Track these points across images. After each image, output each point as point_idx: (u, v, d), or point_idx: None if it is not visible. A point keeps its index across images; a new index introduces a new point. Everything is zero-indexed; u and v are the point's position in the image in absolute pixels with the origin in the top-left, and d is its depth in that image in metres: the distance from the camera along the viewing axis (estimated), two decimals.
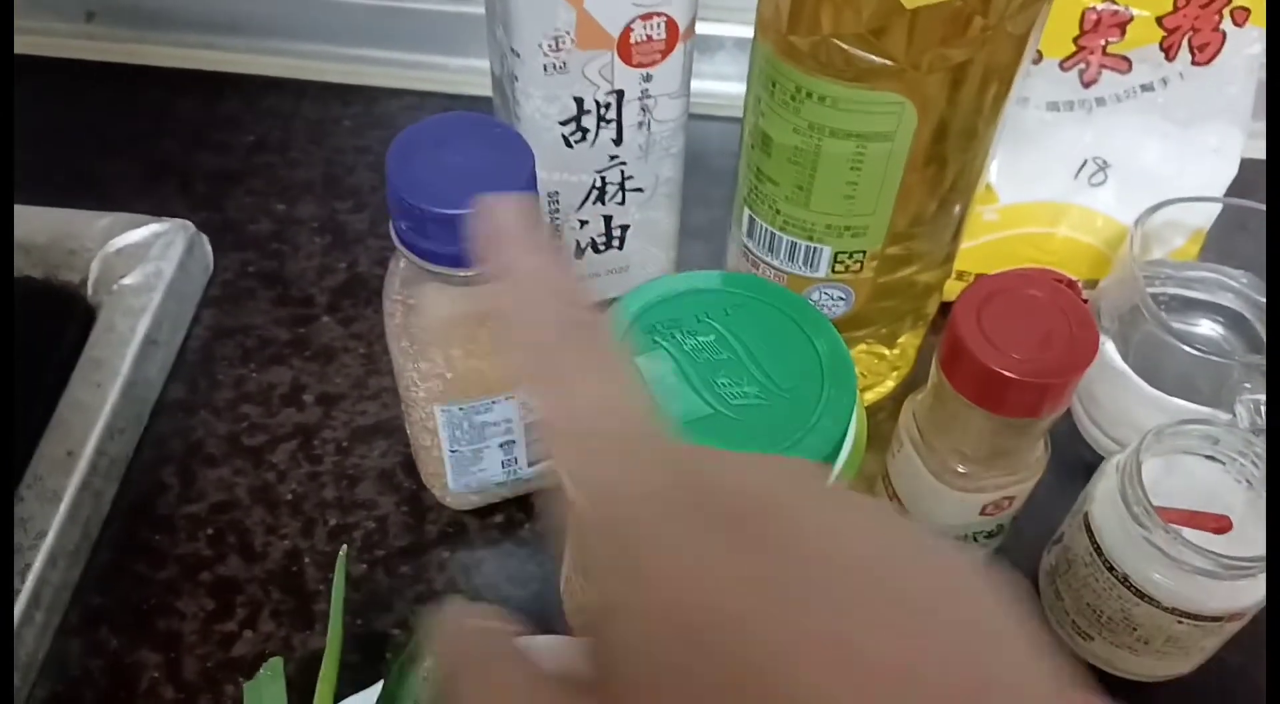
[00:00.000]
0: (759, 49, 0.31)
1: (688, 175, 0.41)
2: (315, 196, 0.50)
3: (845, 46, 0.28)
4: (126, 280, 0.43)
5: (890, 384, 0.42)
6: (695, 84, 0.52)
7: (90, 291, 0.43)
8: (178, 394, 0.43)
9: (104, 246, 0.44)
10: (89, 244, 0.44)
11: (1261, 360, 0.35)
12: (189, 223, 0.46)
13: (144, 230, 0.45)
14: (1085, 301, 0.43)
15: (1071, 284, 0.44)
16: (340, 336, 0.45)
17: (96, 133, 0.52)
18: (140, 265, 0.44)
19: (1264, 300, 0.41)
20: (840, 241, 0.33)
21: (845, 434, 0.27)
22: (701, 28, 0.33)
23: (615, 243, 0.40)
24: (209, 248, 0.47)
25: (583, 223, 0.39)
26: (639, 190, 0.38)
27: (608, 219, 0.39)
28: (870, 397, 0.41)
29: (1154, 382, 0.38)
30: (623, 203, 0.39)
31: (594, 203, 0.38)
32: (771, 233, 0.34)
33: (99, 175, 0.50)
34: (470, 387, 0.33)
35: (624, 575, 0.15)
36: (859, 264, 0.34)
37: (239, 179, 0.50)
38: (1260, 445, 0.32)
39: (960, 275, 0.45)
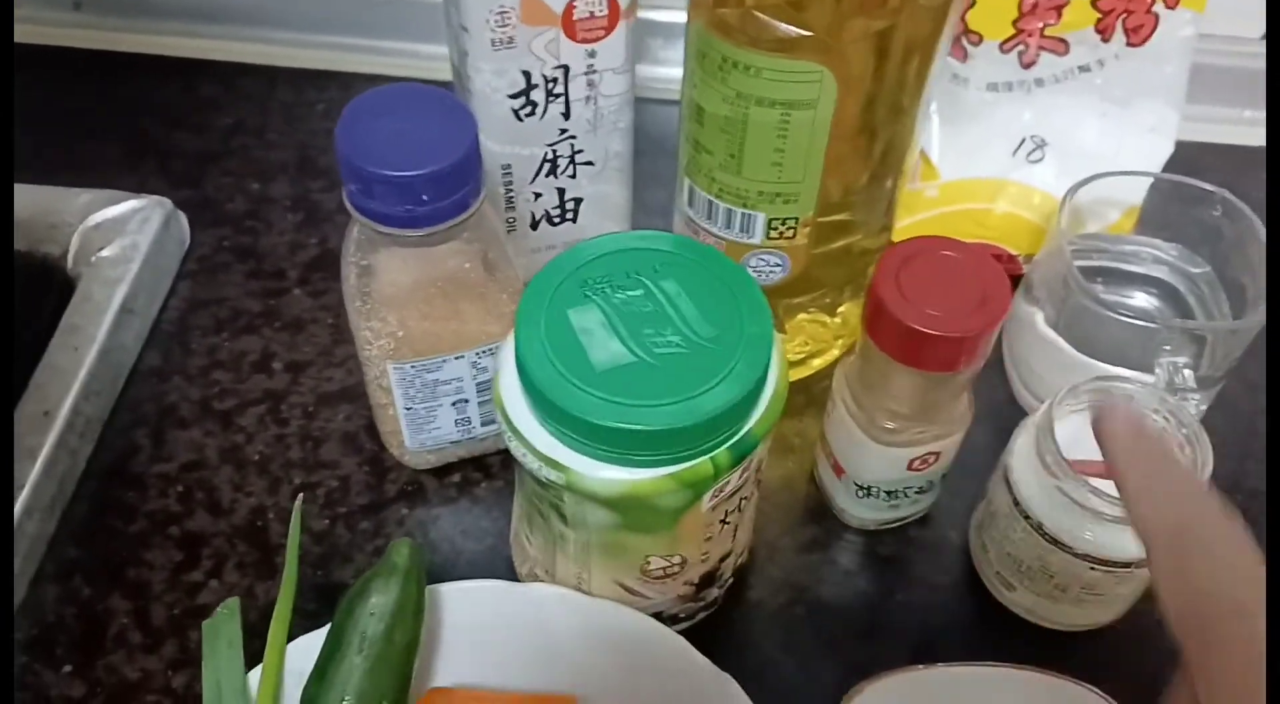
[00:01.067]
0: (692, 24, 0.33)
1: (647, 156, 0.43)
2: (289, 176, 0.51)
3: (766, 18, 0.30)
4: (104, 253, 0.45)
5: (835, 352, 0.43)
6: (657, 70, 0.54)
7: (70, 263, 0.45)
8: (153, 361, 0.45)
9: (84, 221, 0.46)
10: (69, 219, 0.46)
11: (1184, 324, 0.37)
12: (166, 199, 0.48)
13: (122, 206, 0.47)
14: (1021, 274, 0.45)
15: (1010, 259, 0.46)
16: (310, 308, 0.46)
17: (81, 116, 0.54)
18: (118, 239, 0.46)
19: (1194, 270, 0.43)
20: (773, 208, 0.35)
21: (762, 378, 0.29)
22: (663, 15, 0.35)
23: (569, 216, 0.42)
24: (185, 223, 0.48)
25: (537, 195, 0.41)
26: (589, 164, 0.40)
27: (560, 192, 0.41)
28: (817, 363, 0.43)
29: (1084, 349, 0.39)
30: (574, 176, 0.41)
31: (546, 176, 0.40)
32: (709, 200, 0.36)
33: (82, 155, 0.52)
34: (421, 345, 0.35)
35: None
36: (793, 230, 0.36)
37: (217, 159, 0.52)
38: (1174, 403, 0.34)
39: None
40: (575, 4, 0.35)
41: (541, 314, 0.29)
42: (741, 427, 0.29)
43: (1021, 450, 0.34)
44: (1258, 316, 0.37)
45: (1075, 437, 0.34)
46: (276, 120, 0.54)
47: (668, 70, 0.53)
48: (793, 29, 0.30)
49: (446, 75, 0.39)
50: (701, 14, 0.32)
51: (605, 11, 0.35)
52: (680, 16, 0.52)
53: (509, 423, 0.30)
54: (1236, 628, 0.19)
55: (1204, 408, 0.40)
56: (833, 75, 0.31)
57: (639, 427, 0.27)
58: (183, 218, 0.48)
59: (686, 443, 0.28)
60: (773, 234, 0.36)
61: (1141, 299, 0.44)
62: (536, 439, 0.29)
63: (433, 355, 0.35)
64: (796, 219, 0.36)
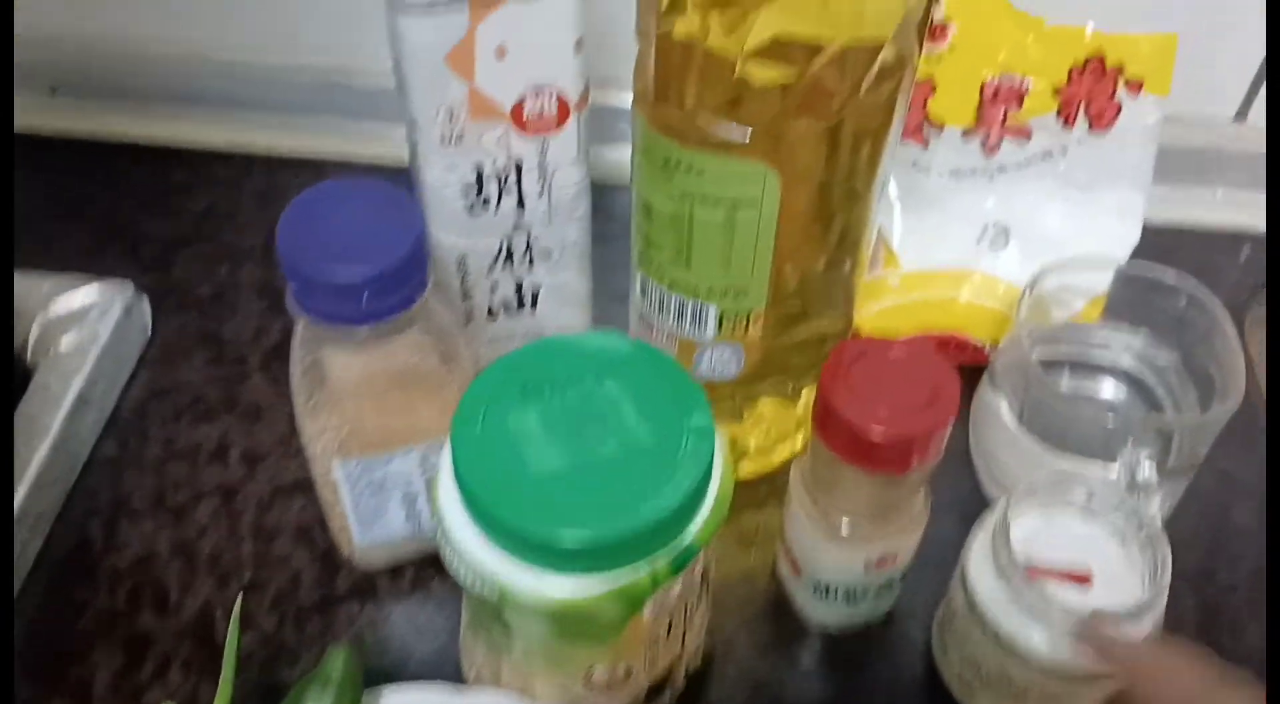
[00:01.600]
0: (636, 120, 0.33)
1: (612, 240, 0.42)
2: (258, 262, 0.51)
3: (707, 119, 0.30)
4: (64, 343, 0.45)
5: (798, 441, 0.43)
6: (621, 153, 0.54)
7: (29, 354, 0.45)
8: (109, 450, 0.44)
9: (45, 310, 0.46)
10: (31, 307, 0.46)
11: (1145, 419, 0.36)
12: (129, 284, 0.47)
13: (84, 293, 0.46)
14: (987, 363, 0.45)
15: (976, 349, 0.46)
16: (269, 395, 0.46)
17: (53, 200, 0.54)
18: (77, 328, 0.45)
19: (1161, 361, 0.42)
20: (724, 302, 0.35)
21: (703, 486, 0.28)
22: (628, 99, 0.34)
23: (528, 305, 0.42)
24: (148, 310, 0.48)
25: (493, 286, 0.41)
26: (547, 254, 0.40)
27: (518, 282, 0.41)
28: (781, 454, 0.42)
29: (1049, 441, 0.38)
30: (531, 267, 0.40)
31: (503, 267, 0.40)
32: (661, 292, 0.36)
33: (53, 240, 0.52)
34: (369, 441, 0.35)
35: None
36: (746, 324, 0.36)
37: (187, 244, 0.52)
38: (1133, 502, 0.33)
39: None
40: (524, 101, 0.35)
41: (479, 418, 0.29)
42: (681, 536, 0.28)
43: (978, 551, 0.33)
44: (1225, 408, 0.36)
45: (1033, 536, 0.34)
46: (248, 205, 0.54)
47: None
48: (734, 130, 0.30)
49: None
50: (644, 112, 0.32)
51: (555, 109, 0.35)
52: None
53: (443, 530, 0.29)
54: None
55: (1172, 503, 0.39)
56: (777, 174, 0.31)
57: (574, 537, 0.27)
58: (146, 305, 0.48)
59: (624, 554, 0.27)
60: (725, 328, 0.36)
61: (1108, 390, 0.43)
62: (471, 547, 0.28)
63: (380, 452, 0.35)
64: (749, 313, 0.35)
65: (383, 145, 0.56)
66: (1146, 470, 0.35)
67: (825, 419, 0.32)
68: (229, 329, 0.49)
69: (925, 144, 0.45)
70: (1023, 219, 0.46)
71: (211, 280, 0.51)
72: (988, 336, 0.45)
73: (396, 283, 0.31)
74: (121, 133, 0.57)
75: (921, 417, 0.31)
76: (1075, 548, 0.33)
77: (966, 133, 0.45)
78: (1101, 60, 0.44)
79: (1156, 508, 0.34)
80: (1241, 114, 0.53)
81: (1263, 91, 0.52)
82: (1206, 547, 0.41)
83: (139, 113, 0.58)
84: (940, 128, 0.45)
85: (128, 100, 0.58)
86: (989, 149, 0.45)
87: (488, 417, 0.29)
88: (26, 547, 0.40)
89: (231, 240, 0.53)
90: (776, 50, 0.28)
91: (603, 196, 0.41)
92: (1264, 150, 0.52)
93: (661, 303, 0.36)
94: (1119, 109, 0.45)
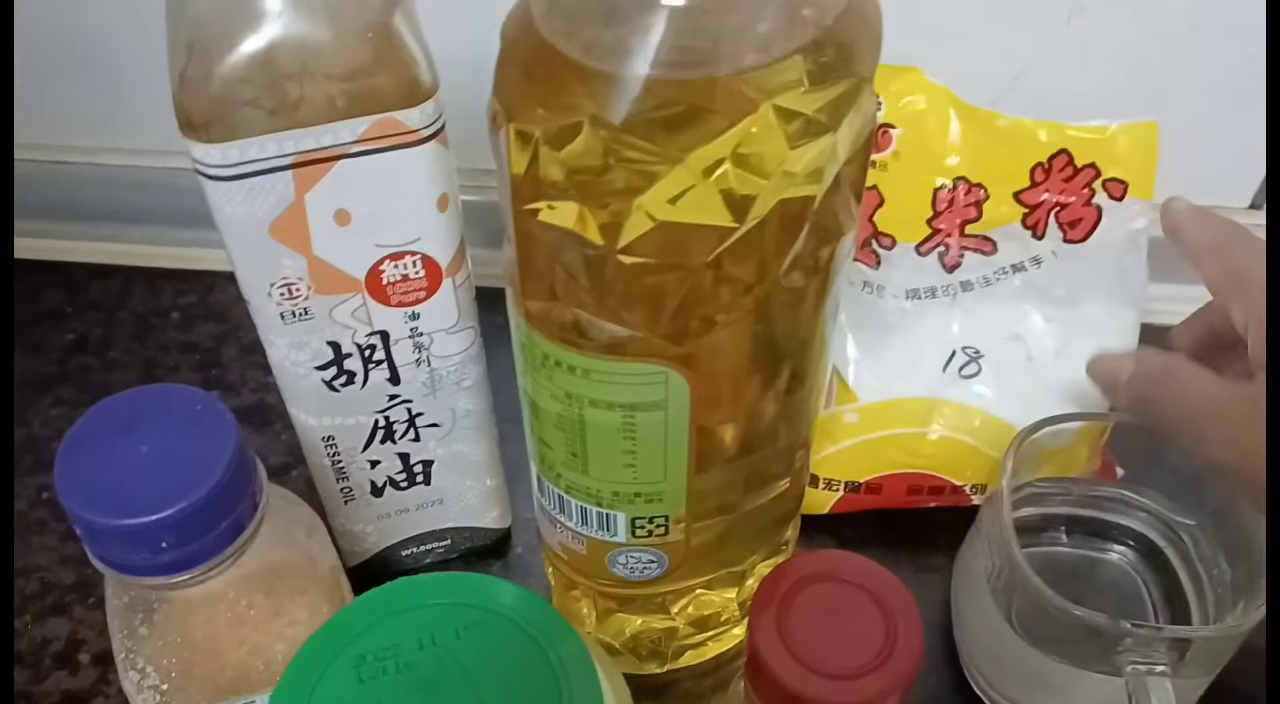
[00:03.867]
0: (510, 305, 0.26)
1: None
2: None
3: (585, 315, 0.24)
4: None
5: (743, 629, 0.36)
6: None
7: None
8: None
9: None
10: None
11: (1145, 631, 0.30)
12: None
13: None
14: (969, 504, 0.39)
15: (955, 490, 0.39)
16: None
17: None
18: None
19: (1179, 520, 0.36)
20: (634, 508, 0.29)
21: None
22: None
23: (420, 479, 0.35)
24: None
25: (374, 463, 0.34)
26: (435, 426, 0.34)
27: (404, 456, 0.34)
28: (723, 643, 0.36)
29: (1038, 635, 0.32)
30: (417, 439, 0.34)
31: (381, 443, 0.34)
32: (559, 494, 0.29)
33: None
34: (195, 694, 0.28)
35: None
36: (663, 528, 0.29)
37: (50, 386, 0.46)
38: None
39: (829, 484, 0.40)
40: (382, 268, 0.28)
41: None
42: None
43: None
44: (1257, 612, 0.30)
45: None
46: (123, 334, 0.48)
47: None
48: (620, 330, 0.24)
49: None
50: (515, 302, 0.26)
51: (422, 273, 0.29)
52: None
53: None
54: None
55: (1197, 696, 0.33)
56: (681, 374, 0.25)
57: None
58: None
59: None
60: (639, 533, 0.29)
61: (1116, 554, 0.37)
62: None
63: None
64: (666, 517, 0.29)
65: None
66: (1158, 695, 0.28)
67: (756, 669, 0.25)
68: None
69: (876, 262, 0.39)
70: (996, 341, 0.39)
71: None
72: (967, 477, 0.39)
73: (205, 523, 0.25)
74: None
75: (877, 673, 0.24)
76: None
77: (921, 248, 0.39)
78: (1070, 158, 0.38)
79: None
80: (1257, 205, 0.47)
81: None
82: None
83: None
84: (891, 244, 0.39)
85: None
86: (949, 265, 0.39)
87: None
88: None
89: (101, 379, 0.46)
90: (664, 237, 0.22)
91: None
92: None
93: (561, 505, 0.30)
94: (1098, 215, 0.39)
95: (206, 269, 0.51)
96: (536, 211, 0.22)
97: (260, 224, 0.26)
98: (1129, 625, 0.30)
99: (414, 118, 0.26)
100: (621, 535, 0.29)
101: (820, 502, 0.40)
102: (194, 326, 0.48)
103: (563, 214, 0.22)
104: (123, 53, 0.47)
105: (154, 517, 0.24)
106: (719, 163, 0.21)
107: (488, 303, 0.32)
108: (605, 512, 0.29)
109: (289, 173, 0.26)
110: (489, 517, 0.38)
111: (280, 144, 0.25)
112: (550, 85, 0.21)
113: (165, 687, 0.28)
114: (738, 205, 0.22)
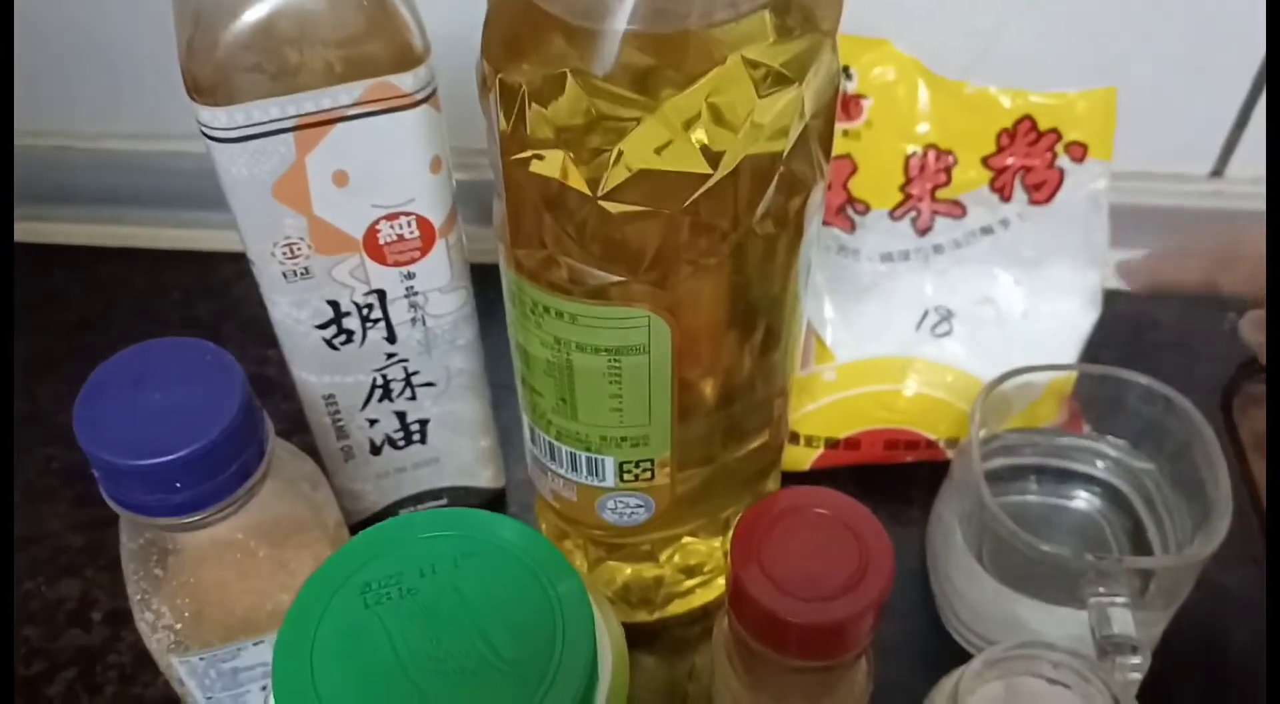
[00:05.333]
0: (500, 255, 0.28)
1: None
2: None
3: (573, 263, 0.25)
4: None
5: None
6: None
7: None
8: None
9: None
10: None
11: (1107, 564, 0.31)
12: None
13: None
14: (942, 459, 0.40)
15: (929, 444, 0.41)
16: None
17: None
18: None
19: (1139, 466, 0.38)
20: (621, 452, 0.30)
21: None
22: None
23: (416, 438, 0.37)
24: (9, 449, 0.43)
25: (372, 421, 0.36)
26: (430, 385, 0.35)
27: (400, 415, 0.36)
28: (710, 592, 0.38)
29: (1009, 574, 0.34)
30: (414, 398, 0.36)
31: (379, 401, 0.35)
32: (549, 442, 0.31)
33: None
34: (208, 634, 0.30)
35: None
36: (649, 472, 0.31)
37: (54, 364, 0.47)
38: (1103, 670, 0.29)
39: (809, 441, 0.41)
40: (378, 228, 0.30)
41: (308, 640, 0.24)
42: None
43: None
44: (1212, 541, 0.31)
45: None
46: (126, 312, 0.49)
47: None
48: (603, 275, 0.25)
49: None
50: (504, 253, 0.27)
51: (416, 233, 0.31)
52: None
53: None
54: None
55: (1157, 630, 0.34)
56: (663, 318, 0.26)
57: None
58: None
59: None
60: (626, 477, 0.31)
61: (1083, 501, 0.38)
62: None
63: (225, 644, 0.30)
64: (652, 460, 0.31)
65: None
66: (1120, 624, 0.30)
67: (739, 600, 0.27)
68: None
69: (851, 227, 0.40)
70: (966, 301, 0.41)
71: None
72: (941, 431, 0.40)
73: (216, 464, 0.26)
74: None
75: (853, 595, 0.26)
76: None
77: (894, 212, 0.40)
78: (1033, 123, 0.40)
79: (1135, 671, 0.30)
80: (1218, 171, 0.49)
81: (1240, 145, 0.47)
82: (1200, 681, 0.36)
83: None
84: (865, 209, 0.40)
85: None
86: (921, 229, 0.41)
87: (320, 632, 0.24)
88: None
89: (106, 356, 0.47)
90: (645, 184, 0.23)
91: (498, 277, 0.36)
92: (1243, 208, 0.48)
93: (552, 452, 0.31)
94: (1061, 177, 0.40)
95: (205, 249, 0.52)
96: (524, 162, 0.24)
97: (264, 185, 0.28)
98: (1091, 558, 0.31)
99: (407, 82, 0.27)
100: (610, 480, 0.31)
101: (800, 458, 0.41)
102: (194, 304, 0.50)
103: (549, 164, 0.23)
104: (122, 40, 0.49)
105: (168, 457, 0.25)
106: (696, 113, 0.22)
107: (480, 277, 0.34)
108: (594, 456, 0.30)
109: (290, 135, 0.27)
110: (483, 475, 0.40)
111: (282, 107, 0.27)
112: (534, 42, 0.23)
113: (179, 626, 0.29)
114: (712, 154, 0.23)
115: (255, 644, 0.30)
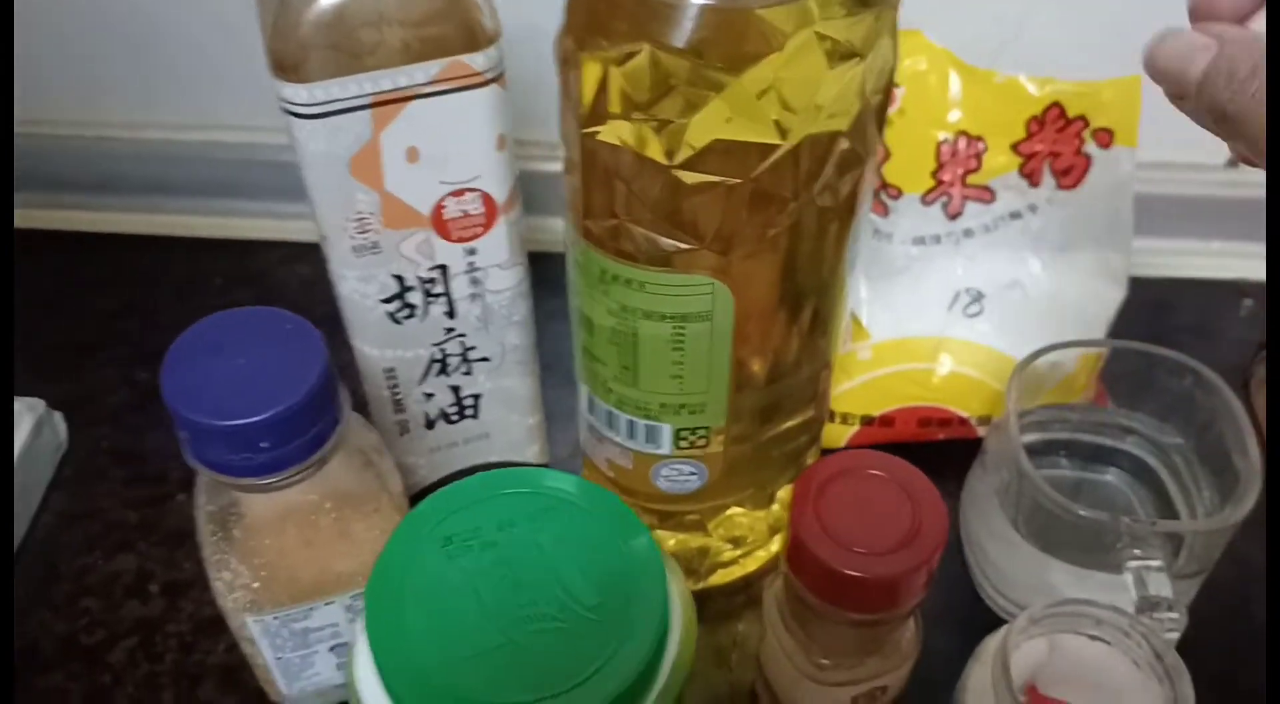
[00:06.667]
0: (568, 227, 0.29)
1: (562, 316, 0.39)
2: None
3: (642, 231, 0.27)
4: None
5: (775, 546, 0.39)
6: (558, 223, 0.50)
7: None
8: (16, 589, 0.40)
9: None
10: None
11: (1143, 526, 0.33)
12: (39, 401, 0.43)
13: None
14: (974, 437, 0.42)
15: (962, 421, 0.42)
16: (191, 517, 0.42)
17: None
18: None
19: (1167, 441, 0.39)
20: (679, 419, 0.31)
21: (656, 656, 0.25)
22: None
23: (469, 412, 0.38)
24: (62, 425, 0.44)
25: (428, 395, 0.37)
26: (485, 360, 0.36)
27: (455, 389, 0.37)
28: (752, 563, 0.39)
29: (1045, 546, 0.35)
30: (469, 373, 0.37)
31: (437, 375, 0.36)
32: (608, 410, 0.32)
33: None
34: (283, 595, 0.31)
35: None
36: (704, 440, 0.32)
37: (99, 347, 0.48)
38: (1145, 626, 0.30)
39: (845, 418, 0.42)
40: (445, 204, 0.31)
41: (396, 586, 0.25)
42: None
43: (977, 686, 0.30)
44: (1241, 508, 0.33)
45: (1039, 664, 0.30)
46: (168, 298, 0.50)
47: None
48: (672, 243, 0.26)
49: None
50: (575, 223, 0.28)
51: (481, 210, 0.32)
52: None
53: None
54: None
55: (1187, 600, 0.35)
56: (726, 285, 0.27)
57: None
58: (59, 420, 0.44)
59: None
60: (682, 444, 0.32)
61: (1112, 475, 0.40)
62: None
63: (299, 603, 0.31)
64: (708, 428, 0.32)
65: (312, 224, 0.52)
66: (1156, 585, 0.31)
67: (797, 555, 0.28)
68: (149, 442, 0.45)
69: (885, 212, 0.42)
70: (996, 284, 0.43)
71: (129, 386, 0.47)
72: (973, 409, 0.42)
73: (299, 426, 0.27)
74: (28, 221, 0.53)
75: (908, 551, 0.27)
76: (1086, 676, 0.30)
77: (926, 197, 0.42)
78: (1061, 111, 0.41)
79: (1172, 628, 0.31)
80: (1234, 161, 0.50)
81: None
82: (1227, 646, 0.38)
83: (47, 200, 0.54)
84: (898, 194, 0.41)
85: (34, 187, 0.53)
86: (951, 213, 0.42)
87: (407, 583, 0.25)
88: None
89: (149, 339, 0.48)
90: (717, 155, 0.25)
91: (542, 265, 0.37)
92: (1260, 197, 0.49)
93: (610, 420, 0.32)
94: (1088, 163, 0.42)
95: (243, 238, 0.53)
96: (602, 134, 0.25)
97: (340, 160, 0.29)
98: (1127, 521, 0.33)
99: (479, 61, 0.28)
100: (666, 447, 0.32)
101: (836, 435, 0.42)
102: (235, 291, 0.51)
103: (626, 135, 0.25)
104: (165, 31, 0.50)
105: (256, 418, 0.27)
106: (768, 85, 0.24)
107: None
108: (652, 423, 0.32)
109: (368, 112, 0.28)
110: (530, 452, 0.41)
111: (360, 85, 0.28)
112: (616, 18, 0.24)
113: (256, 585, 0.30)
114: (781, 126, 0.24)
115: (326, 604, 0.31)
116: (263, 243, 0.53)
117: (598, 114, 0.25)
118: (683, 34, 0.23)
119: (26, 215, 0.53)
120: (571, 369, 0.42)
